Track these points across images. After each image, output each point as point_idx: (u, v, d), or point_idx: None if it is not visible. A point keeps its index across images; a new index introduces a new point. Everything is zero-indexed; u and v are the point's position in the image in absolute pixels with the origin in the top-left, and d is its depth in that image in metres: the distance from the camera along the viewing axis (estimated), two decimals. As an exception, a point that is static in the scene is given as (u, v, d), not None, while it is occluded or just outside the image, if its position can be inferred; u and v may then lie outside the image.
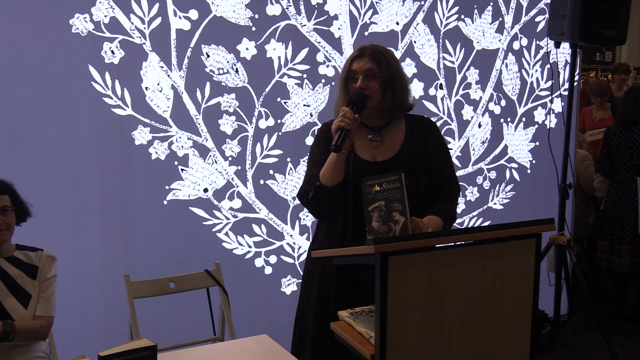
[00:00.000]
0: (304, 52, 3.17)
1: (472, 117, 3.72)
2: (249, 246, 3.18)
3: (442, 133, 2.40)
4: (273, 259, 3.24)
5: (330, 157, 2.06)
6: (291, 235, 3.27)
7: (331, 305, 2.09)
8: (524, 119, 3.91)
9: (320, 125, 3.19)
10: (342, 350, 1.86)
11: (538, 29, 3.86)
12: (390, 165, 2.11)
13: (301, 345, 2.24)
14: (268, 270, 3.24)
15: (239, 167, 3.10)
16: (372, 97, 2.11)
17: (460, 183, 2.45)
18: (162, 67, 2.88)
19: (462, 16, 3.59)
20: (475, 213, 3.83)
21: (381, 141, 2.17)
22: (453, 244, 1.68)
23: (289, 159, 3.21)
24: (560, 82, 3.96)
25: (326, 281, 2.16)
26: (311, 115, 3.23)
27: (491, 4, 3.67)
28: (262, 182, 3.16)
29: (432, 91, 3.56)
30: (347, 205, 2.11)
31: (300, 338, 2.25)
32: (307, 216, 3.28)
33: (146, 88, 2.86)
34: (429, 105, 3.56)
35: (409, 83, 2.22)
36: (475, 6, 3.62)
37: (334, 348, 1.95)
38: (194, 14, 2.91)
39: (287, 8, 3.10)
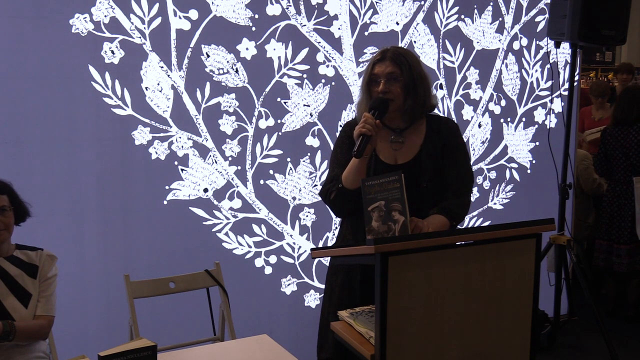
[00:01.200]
0: (304, 52, 3.17)
1: (472, 117, 3.72)
2: (249, 246, 3.18)
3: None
4: (273, 259, 3.24)
5: (352, 162, 2.10)
6: (291, 235, 3.27)
7: (357, 301, 2.12)
8: (524, 119, 3.91)
9: (319, 125, 3.23)
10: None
11: (538, 29, 3.86)
12: (410, 168, 2.13)
13: (323, 339, 2.28)
14: (268, 270, 3.24)
15: (239, 167, 3.10)
16: (395, 100, 2.13)
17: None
18: (162, 67, 2.88)
19: (462, 16, 3.59)
20: (475, 213, 3.82)
21: (403, 143, 2.19)
22: (453, 244, 1.68)
23: (289, 159, 3.21)
24: (560, 82, 3.96)
25: (350, 277, 2.20)
26: (311, 115, 3.23)
27: (491, 4, 3.67)
28: (262, 182, 3.16)
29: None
30: None
31: (323, 331, 2.29)
32: (306, 216, 3.28)
33: (146, 88, 2.86)
34: (429, 105, 3.56)
35: (431, 83, 2.23)
36: (475, 6, 3.62)
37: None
38: (194, 14, 2.91)
39: (287, 8, 3.10)
